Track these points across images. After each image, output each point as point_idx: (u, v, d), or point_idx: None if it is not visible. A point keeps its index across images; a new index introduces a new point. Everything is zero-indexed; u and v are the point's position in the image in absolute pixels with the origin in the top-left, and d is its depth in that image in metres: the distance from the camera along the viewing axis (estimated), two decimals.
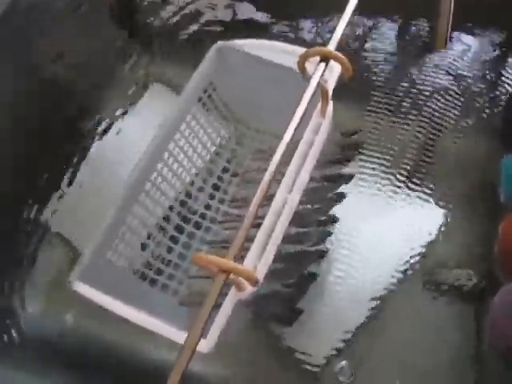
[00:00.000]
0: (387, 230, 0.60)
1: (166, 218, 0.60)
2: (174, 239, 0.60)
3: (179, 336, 0.44)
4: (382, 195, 0.62)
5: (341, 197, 0.54)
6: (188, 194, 0.62)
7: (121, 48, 0.75)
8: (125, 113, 0.71)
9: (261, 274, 0.43)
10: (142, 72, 0.74)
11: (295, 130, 0.41)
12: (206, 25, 0.76)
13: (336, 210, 0.55)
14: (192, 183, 0.63)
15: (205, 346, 0.42)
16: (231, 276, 0.37)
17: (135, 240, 0.56)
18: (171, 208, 0.60)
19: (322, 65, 0.42)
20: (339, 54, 0.41)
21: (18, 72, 0.64)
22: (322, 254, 0.54)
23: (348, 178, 0.56)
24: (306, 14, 0.75)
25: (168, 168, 0.58)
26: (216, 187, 0.64)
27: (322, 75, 0.42)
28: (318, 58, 0.43)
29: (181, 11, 0.77)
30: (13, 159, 0.64)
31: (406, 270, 0.58)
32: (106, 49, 0.74)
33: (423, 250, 0.58)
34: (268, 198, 0.42)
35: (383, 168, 0.63)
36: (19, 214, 0.64)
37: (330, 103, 0.50)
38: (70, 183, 0.67)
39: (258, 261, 0.44)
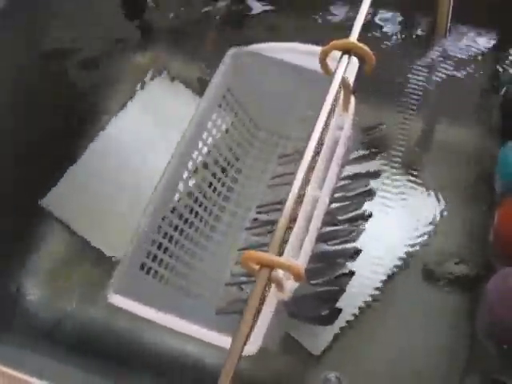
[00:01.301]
0: (384, 220, 0.60)
1: (195, 227, 0.60)
2: (203, 247, 0.60)
3: (221, 340, 0.44)
4: (379, 186, 0.61)
5: (370, 193, 0.54)
6: (215, 203, 0.62)
7: (126, 39, 0.75)
8: (127, 104, 0.71)
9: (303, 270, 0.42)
10: (145, 63, 0.74)
11: (322, 129, 0.40)
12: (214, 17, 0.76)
13: None
14: (214, 190, 0.62)
15: (250, 348, 0.41)
16: (272, 274, 0.37)
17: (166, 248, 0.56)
18: (196, 215, 0.60)
19: (345, 59, 0.42)
20: (363, 47, 0.41)
21: (19, 63, 0.64)
22: (357, 252, 0.53)
23: (375, 175, 0.56)
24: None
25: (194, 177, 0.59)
26: (240, 194, 0.64)
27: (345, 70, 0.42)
28: (338, 53, 0.43)
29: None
30: (14, 147, 0.64)
31: (403, 260, 0.58)
32: (111, 39, 0.74)
33: (420, 240, 0.59)
34: (299, 199, 0.42)
35: (382, 160, 0.63)
36: (20, 200, 0.64)
37: (352, 97, 0.50)
38: (72, 171, 0.67)
39: (296, 259, 0.44)
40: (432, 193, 0.61)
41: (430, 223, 0.59)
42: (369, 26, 0.72)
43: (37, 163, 0.64)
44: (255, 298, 0.34)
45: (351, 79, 0.49)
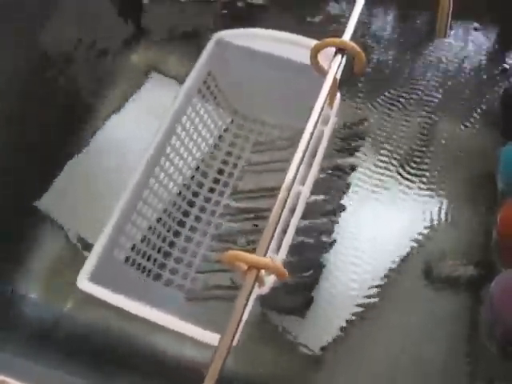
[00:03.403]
0: (386, 219, 0.60)
1: (167, 213, 0.59)
2: (176, 233, 0.60)
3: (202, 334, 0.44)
4: (380, 185, 0.62)
5: (348, 186, 0.55)
6: (188, 188, 0.62)
7: (123, 38, 0.74)
8: (124, 102, 0.70)
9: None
10: (141, 61, 0.73)
11: (314, 127, 0.40)
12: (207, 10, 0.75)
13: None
14: (192, 177, 0.62)
15: None
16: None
17: (138, 235, 0.56)
18: (174, 203, 0.60)
19: (339, 57, 0.42)
20: (356, 46, 0.41)
21: (16, 63, 0.62)
22: (331, 245, 0.54)
23: (351, 169, 0.57)
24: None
25: (170, 162, 0.58)
26: (216, 180, 0.64)
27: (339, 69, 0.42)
28: (331, 50, 0.42)
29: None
30: (10, 148, 0.61)
31: (404, 259, 0.58)
32: (108, 38, 0.72)
33: (421, 239, 0.59)
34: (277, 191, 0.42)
35: (381, 158, 0.63)
36: (18, 200, 0.62)
37: (338, 94, 0.50)
38: (68, 171, 0.66)
39: (276, 253, 0.44)
40: (433, 192, 0.61)
41: (431, 223, 0.60)
42: (367, 23, 0.72)
43: (33, 163, 0.63)
44: (243, 299, 0.34)
45: (338, 76, 0.49)
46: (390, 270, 0.57)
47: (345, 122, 0.57)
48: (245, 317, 0.42)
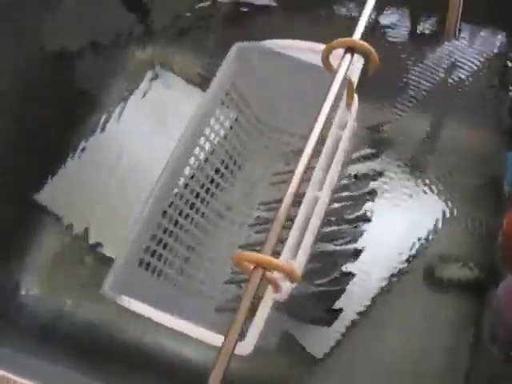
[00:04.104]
0: (390, 221, 0.60)
1: (194, 223, 0.59)
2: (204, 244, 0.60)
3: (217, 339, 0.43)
4: (385, 188, 0.60)
5: (372, 193, 0.53)
6: (217, 200, 0.62)
7: (127, 35, 0.75)
8: (129, 99, 0.71)
9: (298, 271, 0.42)
10: (147, 57, 0.74)
11: (322, 127, 0.40)
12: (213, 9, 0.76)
13: None
14: (217, 185, 0.62)
15: (243, 349, 0.41)
16: (267, 274, 0.36)
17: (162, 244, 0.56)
18: (197, 210, 0.60)
19: (348, 57, 0.41)
20: (366, 44, 0.40)
21: (18, 60, 0.64)
22: (357, 253, 0.53)
23: (378, 175, 0.56)
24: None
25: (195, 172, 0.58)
26: (246, 192, 0.64)
27: (348, 68, 0.41)
28: (341, 51, 0.42)
29: None
30: (11, 143, 0.63)
31: (407, 262, 0.57)
32: (112, 34, 0.73)
33: (426, 242, 0.58)
34: (299, 198, 0.42)
35: (387, 159, 0.62)
36: (18, 196, 0.63)
37: (356, 97, 0.49)
38: (70, 167, 0.67)
39: (294, 259, 0.43)
40: (438, 195, 0.61)
41: (436, 225, 0.59)
42: (377, 24, 0.71)
43: (35, 159, 0.64)
44: (247, 299, 0.34)
45: (355, 78, 0.49)
46: (393, 272, 0.56)
47: (366, 126, 0.56)
48: (260, 322, 0.42)
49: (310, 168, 0.40)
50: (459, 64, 0.68)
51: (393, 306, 0.56)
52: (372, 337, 0.55)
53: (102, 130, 0.69)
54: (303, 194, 0.44)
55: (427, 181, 0.61)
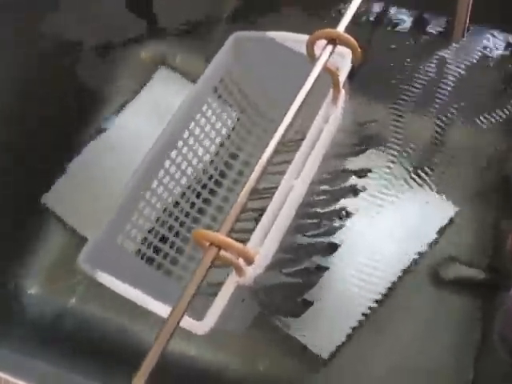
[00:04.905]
0: (395, 220, 0.59)
1: (176, 204, 0.60)
2: (182, 224, 0.60)
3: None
4: (391, 188, 0.60)
5: (354, 189, 0.53)
6: (199, 182, 0.62)
7: (130, 34, 0.75)
8: (131, 99, 0.71)
9: (263, 257, 0.42)
10: (150, 57, 0.74)
11: (295, 115, 0.40)
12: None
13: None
14: (204, 171, 0.62)
15: (200, 328, 0.41)
16: (228, 256, 0.37)
17: (146, 226, 0.56)
18: (182, 195, 0.60)
19: (329, 47, 0.41)
20: (347, 36, 0.41)
21: (21, 58, 0.64)
22: (334, 248, 0.53)
23: (362, 172, 0.55)
24: None
25: (182, 157, 0.58)
26: (235, 181, 0.64)
27: (328, 58, 0.42)
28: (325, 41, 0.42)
29: None
30: (15, 145, 0.64)
31: (413, 262, 0.57)
32: (115, 34, 0.74)
33: (433, 245, 0.57)
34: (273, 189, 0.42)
35: (392, 160, 0.62)
36: (21, 195, 0.64)
37: (342, 91, 0.49)
38: (73, 168, 0.67)
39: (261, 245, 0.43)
40: (444, 195, 0.60)
41: (441, 225, 0.58)
42: (383, 22, 0.71)
43: (37, 160, 0.65)
44: (199, 276, 0.34)
45: (343, 74, 0.49)
46: (398, 274, 0.56)
47: (357, 122, 0.56)
48: (222, 303, 0.42)
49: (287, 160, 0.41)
50: (466, 64, 0.68)
51: (398, 306, 0.55)
52: (377, 338, 0.54)
53: (104, 130, 0.70)
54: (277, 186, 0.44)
55: (434, 181, 0.61)
